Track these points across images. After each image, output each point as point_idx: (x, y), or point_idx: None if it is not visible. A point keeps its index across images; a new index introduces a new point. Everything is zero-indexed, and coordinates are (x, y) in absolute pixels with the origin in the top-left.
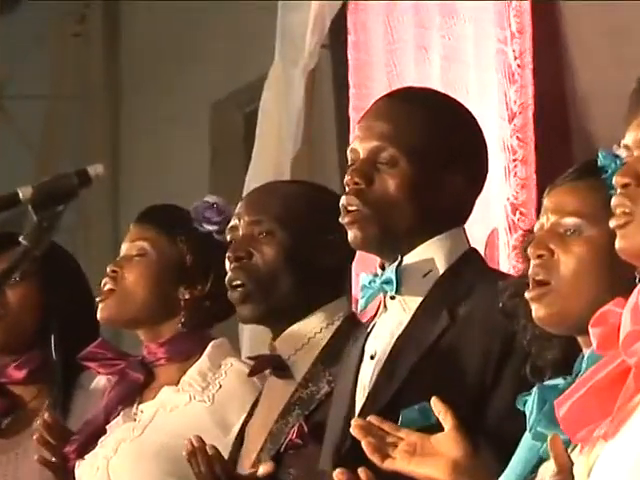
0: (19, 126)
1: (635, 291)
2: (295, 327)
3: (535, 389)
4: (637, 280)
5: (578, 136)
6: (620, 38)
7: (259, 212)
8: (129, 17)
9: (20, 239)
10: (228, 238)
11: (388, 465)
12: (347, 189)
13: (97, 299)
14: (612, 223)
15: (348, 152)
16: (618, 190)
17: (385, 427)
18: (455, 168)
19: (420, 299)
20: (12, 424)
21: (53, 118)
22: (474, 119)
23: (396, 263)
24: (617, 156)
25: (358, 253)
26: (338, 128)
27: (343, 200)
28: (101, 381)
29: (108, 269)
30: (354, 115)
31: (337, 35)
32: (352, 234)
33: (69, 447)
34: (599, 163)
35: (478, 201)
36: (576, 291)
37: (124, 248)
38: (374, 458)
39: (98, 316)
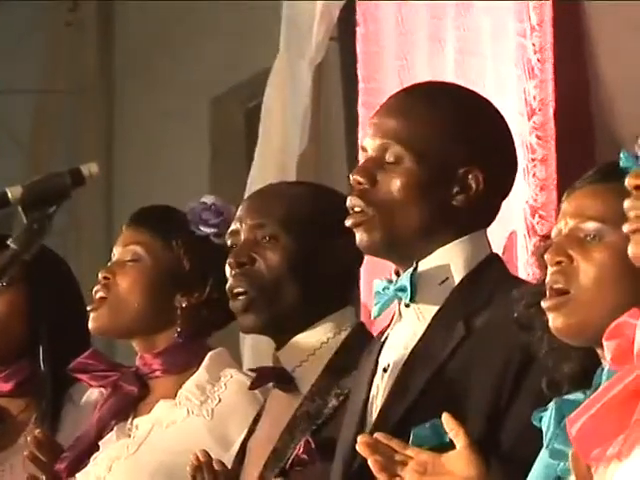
0: (7, 122)
1: None
2: (300, 337)
3: (552, 403)
4: None
5: (601, 135)
6: None
7: (262, 215)
8: (124, 5)
9: (8, 242)
10: (229, 243)
11: None
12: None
13: (88, 308)
14: (625, 228)
15: (359, 150)
16: (632, 192)
17: (393, 445)
18: (475, 166)
19: (436, 308)
20: None
21: (43, 113)
22: (498, 112)
23: (411, 269)
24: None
25: (367, 259)
26: (347, 125)
27: (348, 201)
28: (93, 394)
29: (100, 275)
30: (363, 111)
31: (346, 26)
32: (359, 237)
33: (60, 464)
34: (621, 164)
35: None
36: (596, 300)
37: (116, 253)
38: (381, 477)
39: (89, 326)
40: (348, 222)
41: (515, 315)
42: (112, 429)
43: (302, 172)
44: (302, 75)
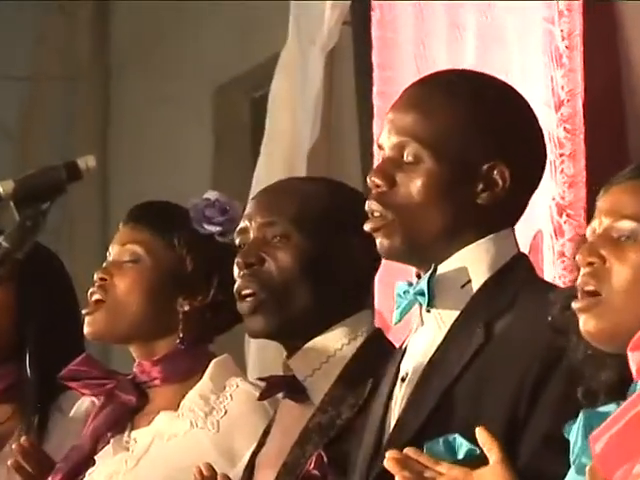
0: None
1: None
2: (313, 343)
3: (581, 415)
4: None
5: (634, 128)
6: None
7: (272, 213)
8: None
9: (0, 240)
10: (237, 242)
11: None
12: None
13: (83, 311)
14: None
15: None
16: None
17: (424, 460)
18: (500, 160)
19: (457, 313)
20: None
21: (35, 102)
22: (524, 100)
23: (429, 272)
24: None
25: (383, 260)
26: (360, 117)
27: (366, 205)
28: (83, 404)
29: (96, 277)
30: (378, 102)
31: (360, 10)
32: (378, 242)
33: (53, 477)
34: None
35: None
36: (629, 304)
37: (113, 252)
38: None
39: (85, 331)
40: (367, 227)
41: (550, 319)
42: (108, 441)
43: (312, 167)
44: (313, 62)
